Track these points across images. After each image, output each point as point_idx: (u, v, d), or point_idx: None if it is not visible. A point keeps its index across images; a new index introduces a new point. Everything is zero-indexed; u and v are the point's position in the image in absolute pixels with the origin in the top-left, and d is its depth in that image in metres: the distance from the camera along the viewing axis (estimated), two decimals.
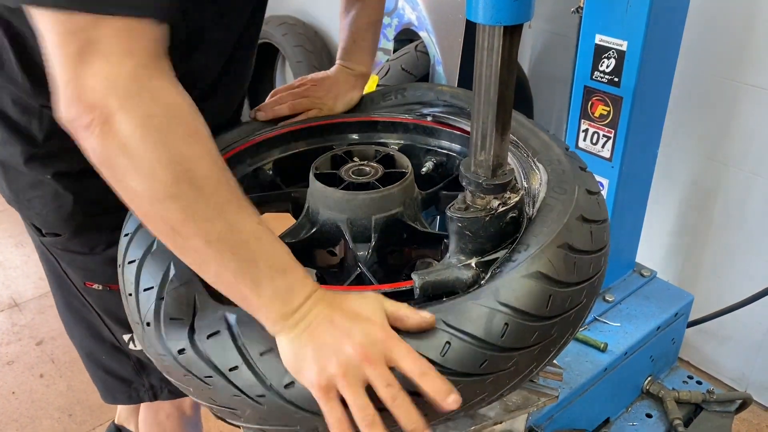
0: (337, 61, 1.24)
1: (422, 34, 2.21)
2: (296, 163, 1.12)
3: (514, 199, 0.81)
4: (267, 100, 1.19)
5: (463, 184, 0.82)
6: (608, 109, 1.42)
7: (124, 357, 1.24)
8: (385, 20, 2.40)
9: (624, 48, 1.34)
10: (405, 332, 0.70)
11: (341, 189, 0.95)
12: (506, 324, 0.70)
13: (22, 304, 2.72)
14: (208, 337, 0.73)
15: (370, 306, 0.71)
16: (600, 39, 1.37)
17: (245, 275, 0.69)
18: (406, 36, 2.34)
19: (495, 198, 0.80)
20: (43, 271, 1.25)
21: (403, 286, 0.77)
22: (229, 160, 1.06)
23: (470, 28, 2.02)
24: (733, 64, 1.92)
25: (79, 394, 2.25)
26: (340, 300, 0.72)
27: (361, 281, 0.92)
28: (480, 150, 0.78)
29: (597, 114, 1.45)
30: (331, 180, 0.97)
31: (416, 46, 2.23)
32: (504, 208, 0.80)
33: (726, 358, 2.25)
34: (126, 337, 1.20)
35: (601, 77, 1.40)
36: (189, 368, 0.74)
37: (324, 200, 0.96)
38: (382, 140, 1.16)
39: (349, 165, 1.00)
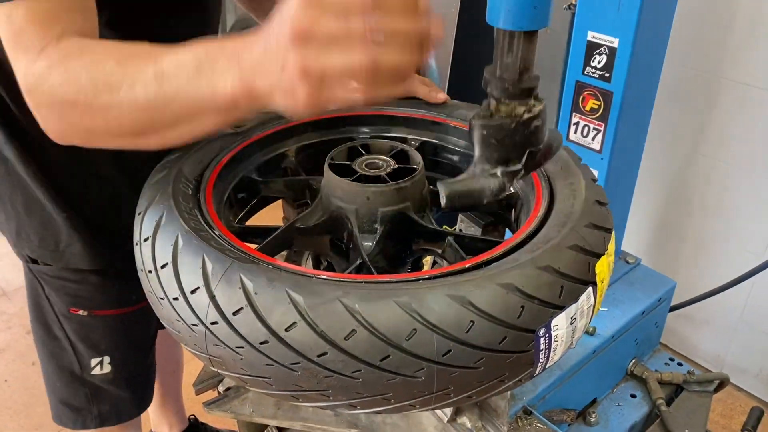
0: None
1: None
2: (320, 151, 1.16)
3: (539, 107, 0.77)
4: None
5: (488, 90, 0.78)
6: (599, 103, 1.47)
7: (79, 385, 1.24)
8: None
9: (615, 45, 1.39)
10: None
11: (352, 180, 0.99)
12: None
13: (11, 292, 2.71)
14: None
15: None
16: (592, 36, 1.42)
17: (198, 91, 0.70)
18: None
19: (520, 104, 0.76)
20: None
21: (422, 275, 0.80)
22: (256, 144, 1.12)
23: (463, 20, 2.06)
24: (713, 60, 1.99)
25: None
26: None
27: (364, 270, 0.95)
28: (507, 52, 0.73)
29: (588, 108, 1.50)
30: (345, 171, 1.01)
31: None
32: (529, 115, 0.76)
33: (702, 342, 2.35)
34: (94, 361, 1.21)
35: (593, 73, 1.45)
36: None
37: (335, 190, 0.99)
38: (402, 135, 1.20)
39: (363, 157, 1.04)
